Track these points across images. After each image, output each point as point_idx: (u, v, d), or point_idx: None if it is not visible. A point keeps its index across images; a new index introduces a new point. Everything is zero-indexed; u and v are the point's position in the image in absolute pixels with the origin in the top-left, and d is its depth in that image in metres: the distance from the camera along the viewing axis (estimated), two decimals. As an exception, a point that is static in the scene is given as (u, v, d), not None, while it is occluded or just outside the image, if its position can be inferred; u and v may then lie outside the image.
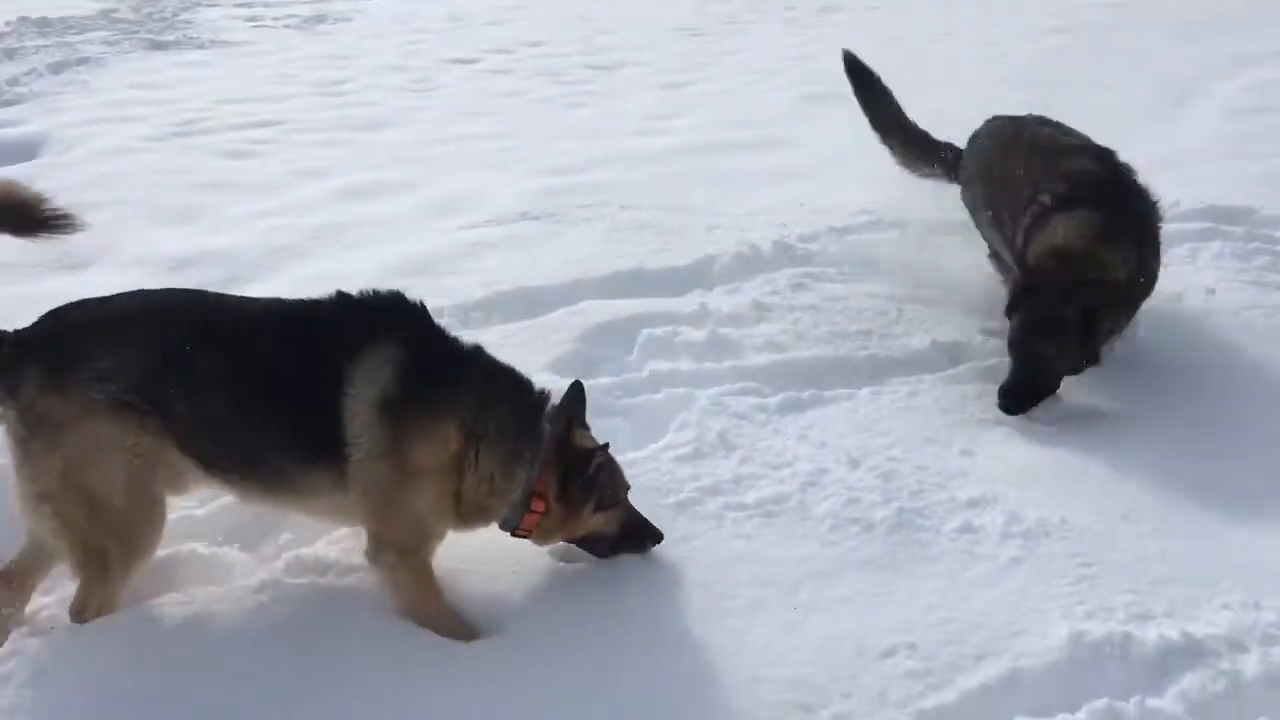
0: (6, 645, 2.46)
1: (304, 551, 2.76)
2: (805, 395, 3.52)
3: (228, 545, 2.84)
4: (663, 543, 2.71)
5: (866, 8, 15.22)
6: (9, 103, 9.00)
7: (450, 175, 6.38)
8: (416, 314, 2.60)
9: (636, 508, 2.69)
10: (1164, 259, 3.86)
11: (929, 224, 4.96)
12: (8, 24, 13.27)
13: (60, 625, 2.52)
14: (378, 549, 2.54)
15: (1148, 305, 3.80)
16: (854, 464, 3.08)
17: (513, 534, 2.58)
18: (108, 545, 2.49)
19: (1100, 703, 2.14)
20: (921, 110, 5.26)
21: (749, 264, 4.72)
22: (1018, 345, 3.51)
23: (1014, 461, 3.10)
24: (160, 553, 2.68)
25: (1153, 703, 2.17)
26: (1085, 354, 3.47)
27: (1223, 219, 5.11)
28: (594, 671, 2.30)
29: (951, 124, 4.93)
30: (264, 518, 2.92)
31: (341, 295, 2.59)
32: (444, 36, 12.62)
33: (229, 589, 2.63)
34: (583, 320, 4.09)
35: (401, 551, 2.52)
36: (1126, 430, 3.28)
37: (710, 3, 15.80)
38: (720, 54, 11.28)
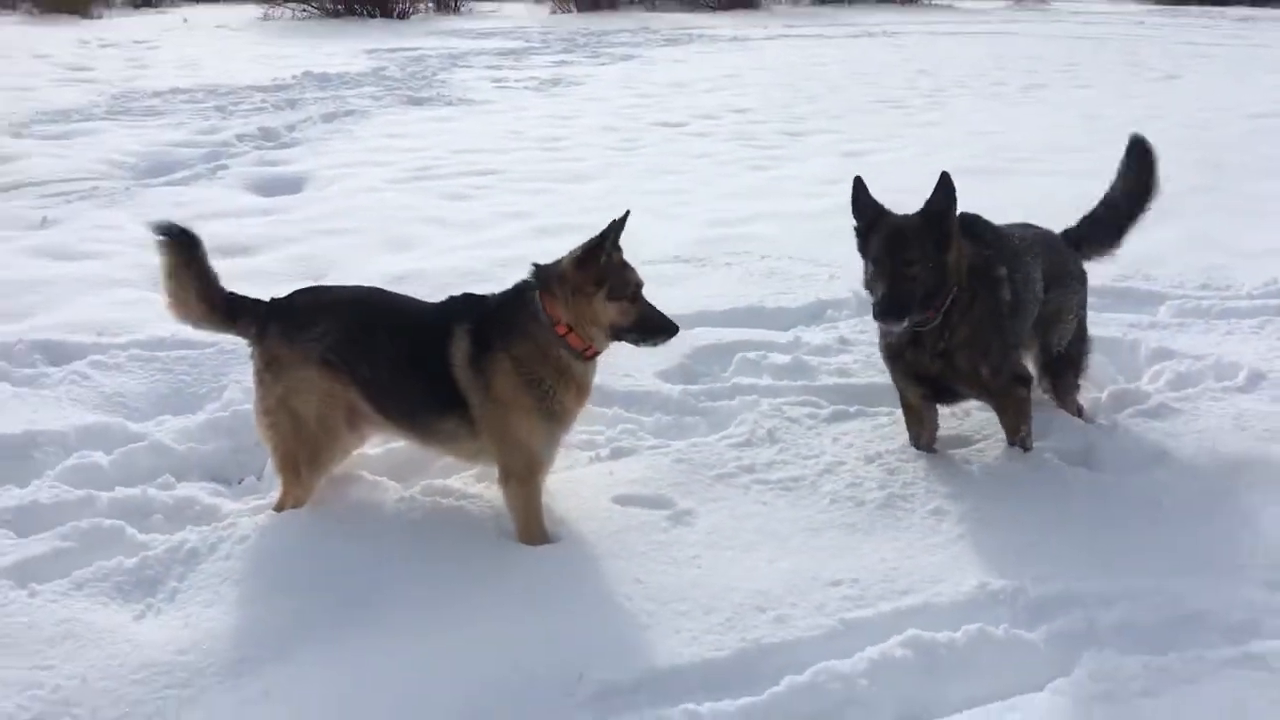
0: (229, 519, 3.55)
1: (436, 482, 3.76)
2: (852, 409, 4.27)
3: (386, 476, 3.86)
4: (697, 497, 3.56)
5: (1075, 85, 15.52)
6: (286, 145, 10.75)
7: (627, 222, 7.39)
8: (468, 299, 3.55)
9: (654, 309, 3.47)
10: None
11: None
12: (293, 78, 15.47)
13: (266, 513, 3.58)
14: (506, 478, 3.45)
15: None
16: (868, 460, 3.81)
17: (585, 358, 3.43)
18: (300, 455, 3.55)
19: (974, 627, 2.82)
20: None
21: (851, 308, 5.48)
22: (884, 261, 3.60)
23: (1000, 473, 3.74)
24: (339, 473, 3.75)
25: (1019, 632, 2.83)
26: (943, 263, 3.56)
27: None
28: (618, 569, 3.16)
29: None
30: (414, 461, 3.94)
31: (443, 301, 3.58)
32: (660, 102, 13.83)
33: (381, 501, 3.64)
34: (693, 342, 4.98)
35: (521, 479, 3.43)
36: (1104, 460, 3.85)
37: (922, 77, 16.45)
38: (912, 126, 11.94)
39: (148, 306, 5.76)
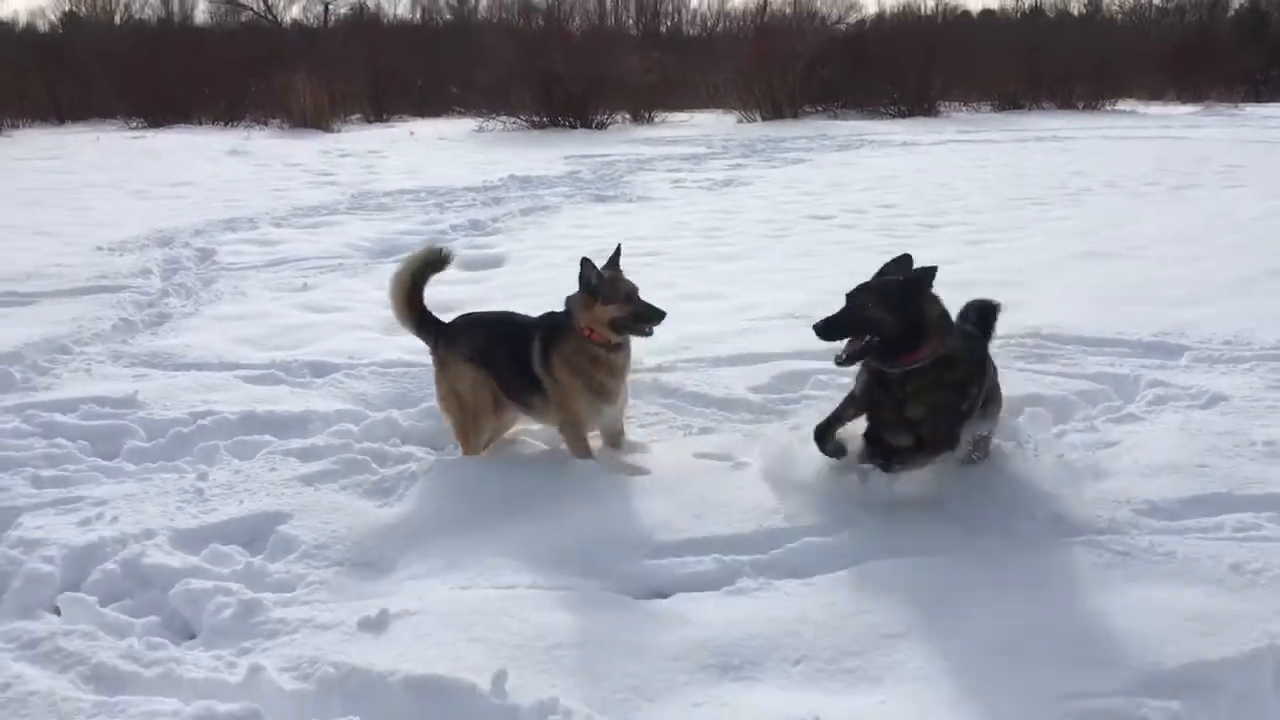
0: (423, 455, 5.28)
1: (549, 449, 5.40)
2: (886, 411, 5.69)
3: (526, 438, 5.54)
4: (753, 457, 5.05)
5: (1227, 186, 16.18)
6: (490, 233, 12.88)
7: (758, 291, 8.98)
8: (549, 315, 5.20)
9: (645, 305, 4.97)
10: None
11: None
12: (500, 180, 17.91)
13: (448, 454, 5.29)
14: (563, 427, 5.15)
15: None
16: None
17: (608, 348, 4.97)
18: (467, 425, 5.27)
19: (913, 521, 4.22)
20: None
21: (914, 349, 6.87)
22: (848, 295, 4.50)
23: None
24: (508, 437, 5.44)
25: (943, 526, 4.20)
26: (903, 318, 4.30)
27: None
28: (688, 490, 4.68)
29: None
30: (532, 435, 5.60)
31: (534, 319, 5.28)
32: (817, 199, 15.38)
33: (531, 452, 5.32)
34: (782, 368, 6.51)
35: (572, 426, 5.11)
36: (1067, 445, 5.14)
37: (1075, 178, 17.44)
38: (1044, 220, 13.05)
39: (380, 342, 7.71)
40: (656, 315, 5.05)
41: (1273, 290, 8.59)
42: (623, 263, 5.02)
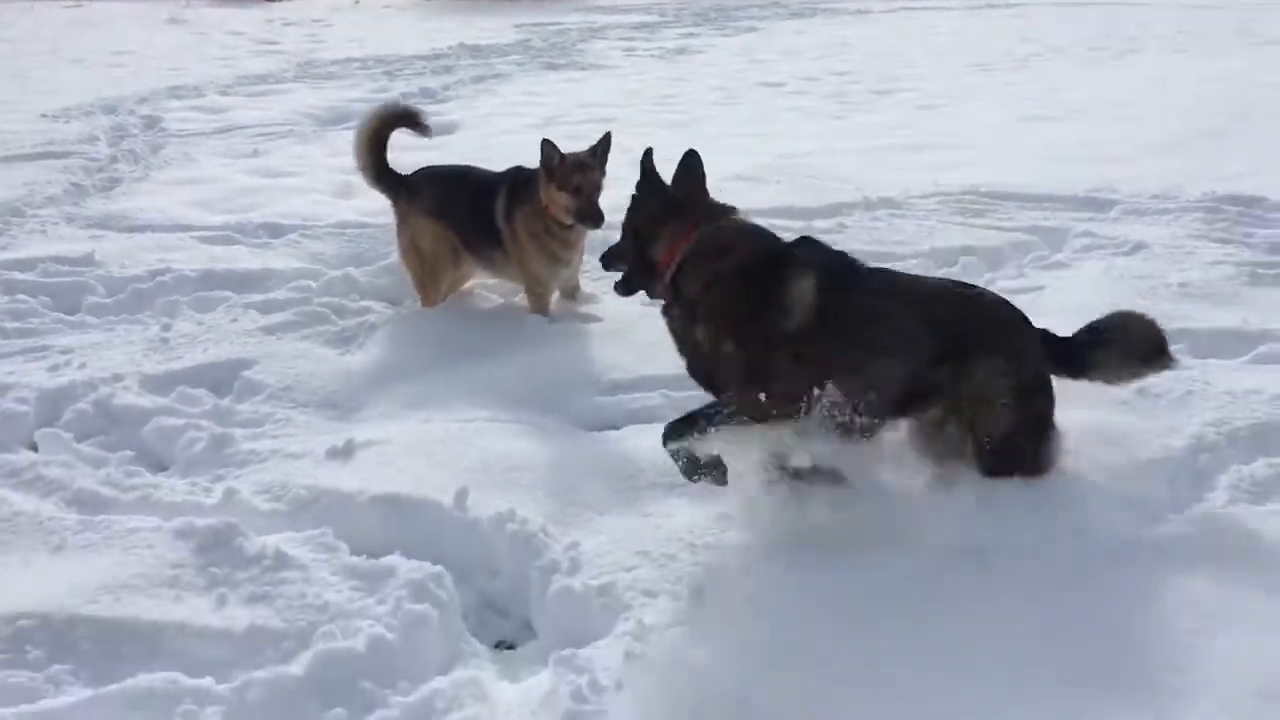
0: (381, 309, 5.45)
1: (511, 300, 5.59)
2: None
3: (482, 291, 5.72)
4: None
5: (1171, 51, 16.32)
6: (442, 100, 12.79)
7: (710, 156, 9.01)
8: (516, 170, 5.28)
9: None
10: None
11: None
12: (449, 48, 17.65)
13: (410, 308, 5.46)
14: (527, 288, 5.32)
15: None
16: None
17: (561, 226, 5.05)
18: (426, 278, 5.42)
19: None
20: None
21: (856, 207, 7.08)
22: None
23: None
24: (464, 290, 5.62)
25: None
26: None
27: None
28: (636, 337, 4.90)
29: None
30: (493, 288, 5.77)
31: (499, 172, 5.34)
32: (769, 67, 15.36)
33: (488, 305, 5.50)
34: (729, 225, 6.68)
35: (534, 290, 5.28)
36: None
37: (1023, 45, 17.50)
38: (991, 86, 13.17)
39: (334, 205, 7.78)
40: (590, 220, 5.02)
41: (1203, 149, 8.85)
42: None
